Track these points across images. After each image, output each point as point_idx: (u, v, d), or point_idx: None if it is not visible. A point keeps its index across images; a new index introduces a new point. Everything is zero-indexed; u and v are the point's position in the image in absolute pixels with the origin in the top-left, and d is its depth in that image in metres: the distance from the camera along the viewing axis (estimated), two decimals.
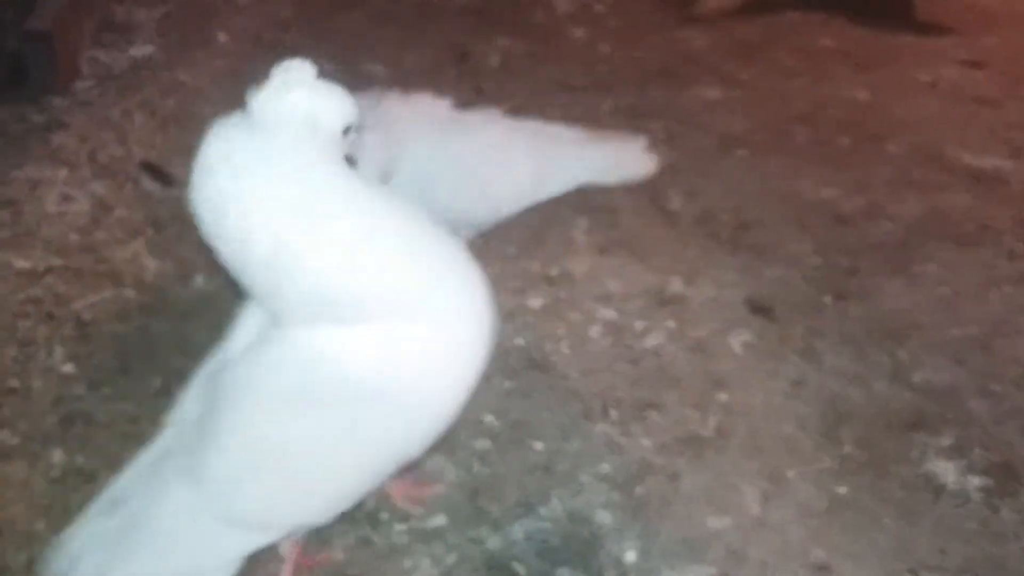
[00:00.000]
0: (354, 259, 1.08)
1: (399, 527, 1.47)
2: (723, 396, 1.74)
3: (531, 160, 1.94)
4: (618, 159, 2.05)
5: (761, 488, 1.57)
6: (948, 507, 1.56)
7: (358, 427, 1.14)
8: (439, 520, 1.49)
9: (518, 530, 1.48)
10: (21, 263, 1.91)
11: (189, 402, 1.27)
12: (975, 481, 1.61)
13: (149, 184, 2.18)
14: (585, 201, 2.24)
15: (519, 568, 1.42)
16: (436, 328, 1.14)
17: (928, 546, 1.49)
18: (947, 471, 1.62)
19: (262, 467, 1.15)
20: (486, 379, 1.70)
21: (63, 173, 2.19)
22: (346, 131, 1.11)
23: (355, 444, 1.16)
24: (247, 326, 1.23)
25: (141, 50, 2.74)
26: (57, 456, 1.53)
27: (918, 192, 2.37)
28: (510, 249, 2.08)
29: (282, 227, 1.04)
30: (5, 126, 2.33)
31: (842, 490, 1.57)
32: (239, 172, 1.05)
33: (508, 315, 1.89)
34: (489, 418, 1.67)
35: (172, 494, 1.17)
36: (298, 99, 1.07)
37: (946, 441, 1.68)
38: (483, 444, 1.62)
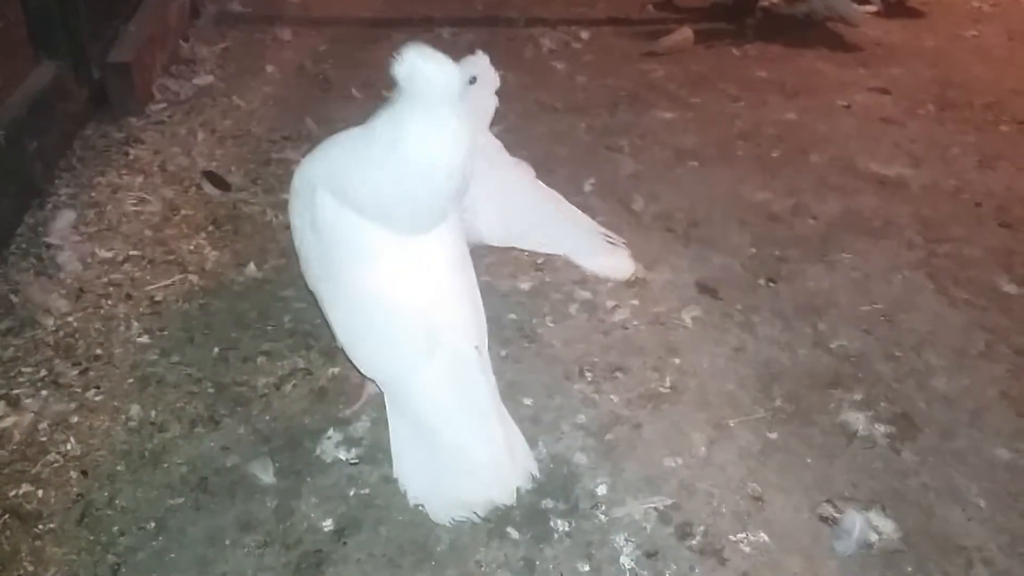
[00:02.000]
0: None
1: None
2: (677, 360, 1.73)
3: (544, 215, 1.96)
4: (607, 257, 1.97)
5: (708, 434, 1.55)
6: (859, 450, 1.55)
7: None
8: None
9: None
10: (104, 253, 1.89)
11: None
12: (881, 429, 1.60)
13: (210, 189, 2.15)
14: None
15: None
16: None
17: (843, 481, 1.49)
18: (858, 420, 1.61)
19: None
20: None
21: (139, 180, 2.17)
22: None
23: None
24: None
25: (203, 79, 2.70)
26: (135, 411, 1.51)
27: (836, 195, 2.35)
28: None
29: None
30: (91, 141, 2.30)
31: (773, 436, 1.57)
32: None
33: (503, 295, 1.88)
34: None
35: None
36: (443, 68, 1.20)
37: (857, 396, 1.67)
38: None
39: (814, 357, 1.77)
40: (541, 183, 2.02)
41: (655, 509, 1.40)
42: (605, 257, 1.97)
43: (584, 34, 3.28)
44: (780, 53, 3.27)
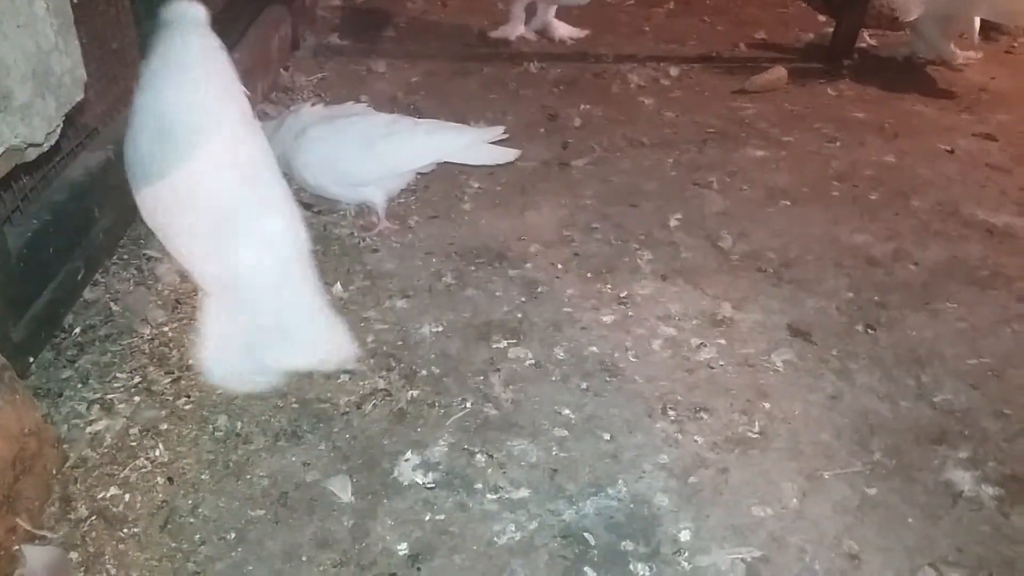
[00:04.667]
0: None
1: (491, 496, 1.43)
2: (767, 405, 1.65)
3: (412, 137, 2.11)
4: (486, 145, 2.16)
5: (800, 485, 1.47)
6: (965, 511, 1.45)
7: None
8: (524, 493, 1.44)
9: (590, 506, 1.42)
10: None
11: None
12: (989, 490, 1.49)
13: (301, 211, 2.20)
14: (649, 237, 2.19)
15: (590, 538, 1.36)
16: None
17: (947, 545, 1.38)
18: (964, 480, 1.50)
19: None
20: (564, 379, 1.69)
21: None
22: None
23: None
24: None
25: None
26: (222, 421, 1.54)
27: (939, 241, 2.24)
28: (587, 274, 2.03)
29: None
30: None
31: (872, 491, 1.47)
32: None
33: (585, 328, 1.84)
34: (566, 411, 1.62)
35: None
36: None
37: (963, 454, 1.56)
38: (561, 432, 1.57)
39: (917, 410, 1.66)
40: (387, 114, 2.21)
41: (742, 560, 1.33)
42: (491, 149, 2.16)
43: (673, 71, 3.27)
44: (877, 95, 3.17)
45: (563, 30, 3.54)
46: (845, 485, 1.48)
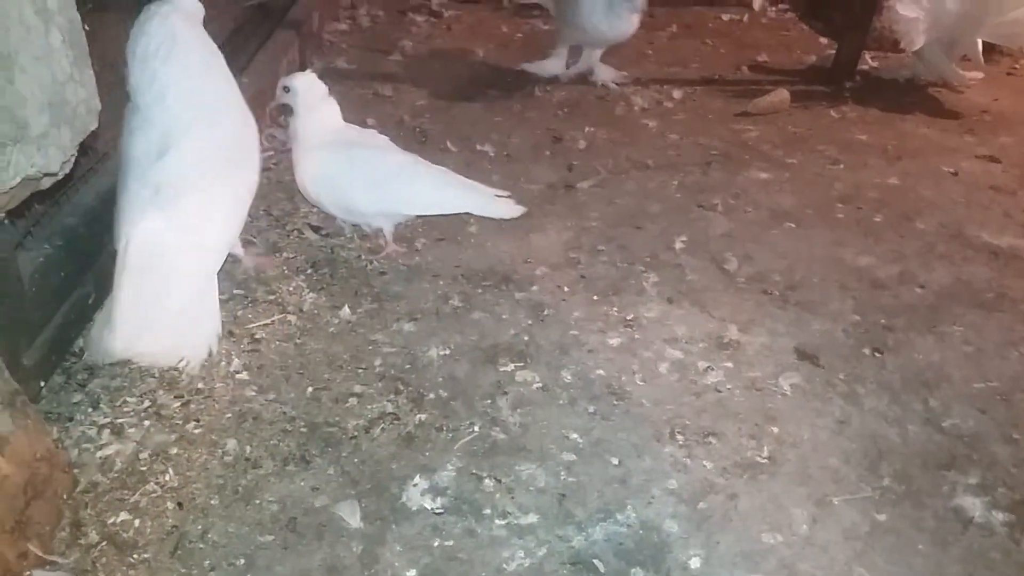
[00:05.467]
0: None
1: (499, 522, 1.42)
2: (775, 429, 1.65)
3: (433, 183, 2.13)
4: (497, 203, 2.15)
5: (809, 511, 1.47)
6: (975, 538, 1.44)
7: None
8: (533, 518, 1.43)
9: (599, 532, 1.41)
10: None
11: None
12: (999, 516, 1.48)
13: (310, 233, 2.22)
14: (655, 259, 2.19)
15: (599, 565, 1.35)
16: None
17: (958, 572, 1.37)
18: (974, 506, 1.50)
19: None
20: (572, 402, 1.69)
21: (245, 222, 2.24)
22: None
23: None
24: None
25: None
26: (231, 445, 1.54)
27: (944, 263, 2.24)
28: (593, 297, 2.04)
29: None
30: None
31: (882, 517, 1.46)
32: None
33: (591, 350, 1.85)
34: (574, 435, 1.61)
35: None
36: None
37: (973, 480, 1.55)
38: (569, 457, 1.56)
39: (925, 435, 1.66)
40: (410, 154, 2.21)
41: None
42: (497, 205, 2.15)
43: (677, 93, 3.29)
44: (880, 117, 3.19)
45: (608, 74, 3.39)
46: (855, 511, 1.47)
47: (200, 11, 1.82)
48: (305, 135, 2.12)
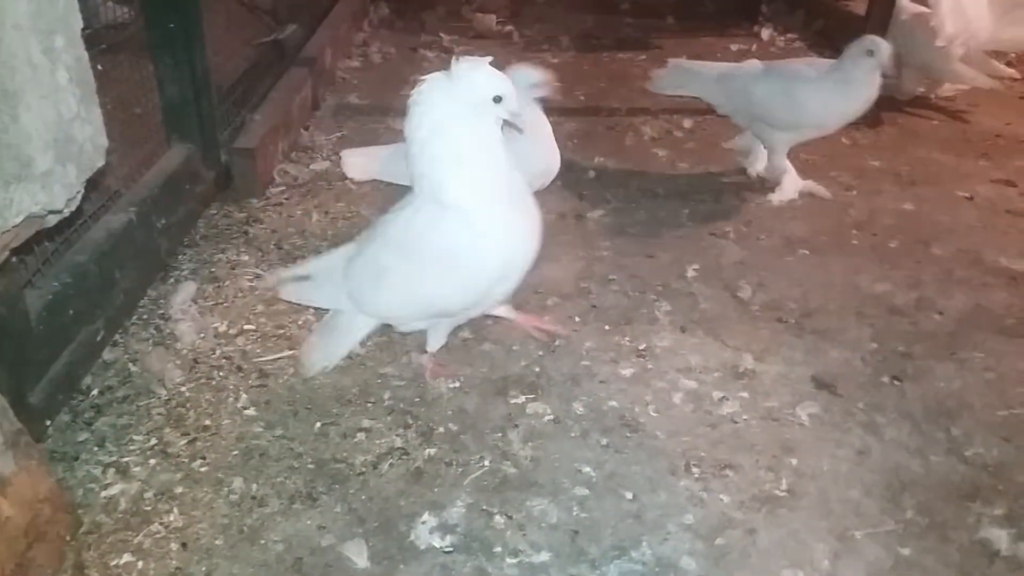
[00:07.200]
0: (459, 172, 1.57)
1: (510, 560, 1.38)
2: (793, 461, 1.60)
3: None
4: None
5: (831, 546, 1.41)
6: (1003, 571, 1.38)
7: (421, 274, 1.61)
8: (545, 556, 1.39)
9: (613, 570, 1.36)
10: (221, 326, 1.94)
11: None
12: None
13: None
14: (667, 288, 2.16)
15: None
16: (492, 226, 1.57)
17: None
18: (1001, 538, 1.43)
19: (375, 280, 1.66)
20: (584, 435, 1.64)
21: (256, 257, 2.25)
22: (496, 99, 1.60)
23: (418, 284, 1.62)
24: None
25: (320, 165, 2.83)
26: (237, 483, 1.51)
27: (963, 289, 2.19)
28: (604, 327, 2.00)
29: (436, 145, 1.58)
30: (213, 220, 2.42)
31: (906, 552, 1.40)
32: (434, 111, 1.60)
33: (603, 381, 1.81)
34: (587, 469, 1.57)
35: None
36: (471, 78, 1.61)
37: (999, 511, 1.49)
38: (582, 491, 1.52)
39: (948, 465, 1.60)
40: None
41: None
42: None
43: (687, 123, 3.28)
44: (892, 142, 3.16)
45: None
46: (878, 545, 1.41)
47: None
48: None
